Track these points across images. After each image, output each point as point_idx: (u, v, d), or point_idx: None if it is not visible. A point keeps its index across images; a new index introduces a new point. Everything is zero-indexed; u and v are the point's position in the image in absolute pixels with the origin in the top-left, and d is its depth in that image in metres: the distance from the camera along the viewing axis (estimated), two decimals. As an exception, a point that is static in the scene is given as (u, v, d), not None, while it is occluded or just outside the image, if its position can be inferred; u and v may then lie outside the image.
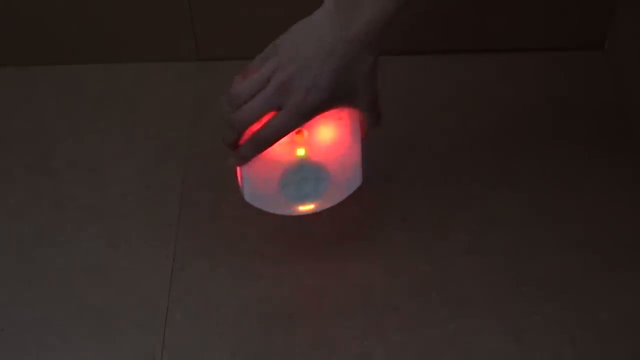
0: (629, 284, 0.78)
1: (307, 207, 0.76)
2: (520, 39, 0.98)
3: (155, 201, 0.85)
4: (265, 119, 0.70)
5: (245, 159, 0.72)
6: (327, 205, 0.77)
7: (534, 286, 0.78)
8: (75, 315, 0.77)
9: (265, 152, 0.71)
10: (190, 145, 0.90)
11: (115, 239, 0.82)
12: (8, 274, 0.80)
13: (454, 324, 0.76)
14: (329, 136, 0.73)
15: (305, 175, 0.74)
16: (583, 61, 0.98)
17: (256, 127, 0.70)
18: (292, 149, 0.73)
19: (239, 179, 0.76)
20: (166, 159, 0.89)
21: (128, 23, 0.96)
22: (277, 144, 0.71)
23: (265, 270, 0.80)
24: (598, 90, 0.95)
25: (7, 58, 0.98)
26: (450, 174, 0.87)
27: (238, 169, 0.75)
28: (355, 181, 0.76)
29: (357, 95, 0.71)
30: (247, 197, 0.75)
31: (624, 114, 0.92)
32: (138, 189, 0.86)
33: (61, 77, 0.97)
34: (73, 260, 0.81)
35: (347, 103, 0.71)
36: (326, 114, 0.70)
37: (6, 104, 0.95)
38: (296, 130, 0.71)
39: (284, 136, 0.70)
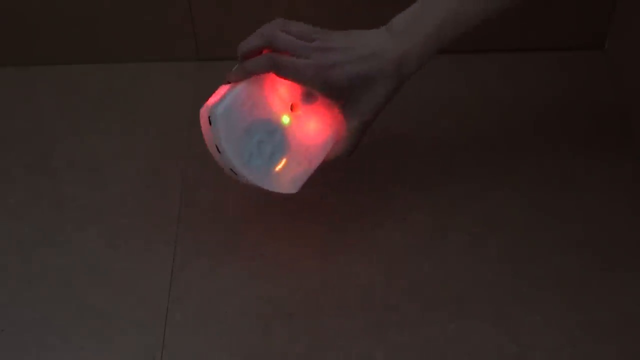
0: (628, 284, 0.78)
1: (249, 166, 0.74)
2: (520, 39, 0.98)
3: (155, 201, 0.85)
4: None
5: (251, 70, 0.73)
6: (254, 181, 0.74)
7: (533, 286, 0.78)
8: (75, 315, 0.77)
9: (264, 91, 0.73)
10: (190, 145, 0.90)
11: (115, 239, 0.82)
12: (8, 274, 0.80)
13: (454, 324, 0.76)
14: (309, 132, 0.75)
15: (271, 139, 0.74)
16: (583, 61, 0.98)
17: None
18: (280, 111, 0.74)
19: (217, 96, 0.74)
20: (166, 159, 0.89)
21: (128, 23, 0.96)
22: (275, 95, 0.74)
23: (265, 270, 0.80)
24: (598, 90, 0.95)
25: (7, 58, 0.98)
26: (450, 174, 0.87)
27: (223, 89, 0.74)
28: (293, 185, 0.76)
29: (358, 107, 0.73)
30: (218, 111, 0.72)
31: (624, 114, 0.92)
32: (138, 189, 0.86)
33: (61, 77, 0.97)
34: (73, 260, 0.81)
35: (345, 106, 0.73)
36: (321, 110, 0.74)
37: (6, 104, 0.95)
38: (292, 104, 0.74)
39: (291, 78, 0.72)
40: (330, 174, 0.86)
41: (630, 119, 0.91)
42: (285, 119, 0.75)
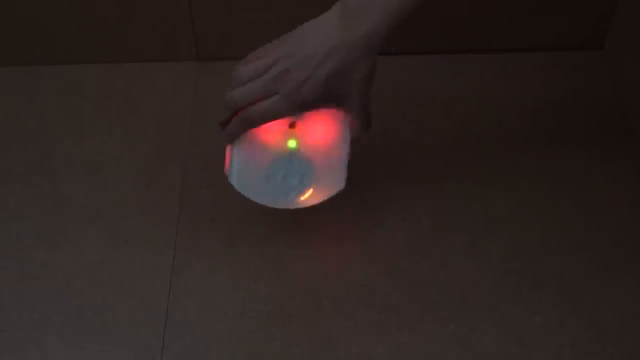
0: (629, 285, 0.78)
1: (289, 201, 0.76)
2: (520, 39, 0.98)
3: (155, 201, 0.85)
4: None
5: (232, 135, 0.74)
6: (307, 203, 0.77)
7: (534, 286, 0.78)
8: (75, 315, 0.77)
9: (258, 138, 0.74)
10: (190, 145, 0.90)
11: (115, 239, 0.82)
12: (8, 274, 0.80)
13: (454, 324, 0.76)
14: (320, 134, 0.75)
15: (292, 168, 0.75)
16: (583, 61, 0.98)
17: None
18: (284, 140, 0.75)
19: (227, 161, 0.76)
20: (166, 159, 0.89)
21: (128, 23, 0.96)
22: (270, 133, 0.74)
23: (265, 270, 0.80)
24: (598, 90, 0.95)
25: (7, 58, 0.98)
26: (450, 174, 0.87)
27: (228, 151, 0.76)
28: (338, 184, 0.76)
29: (349, 98, 0.72)
30: (234, 180, 0.76)
31: (624, 114, 0.92)
32: (138, 189, 0.86)
33: (61, 77, 0.97)
34: (73, 260, 0.81)
35: (338, 104, 0.73)
36: (319, 112, 0.73)
37: (6, 104, 0.95)
38: (290, 122, 0.74)
39: (270, 119, 0.72)
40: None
41: (630, 119, 0.91)
42: (292, 143, 0.75)
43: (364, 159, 0.86)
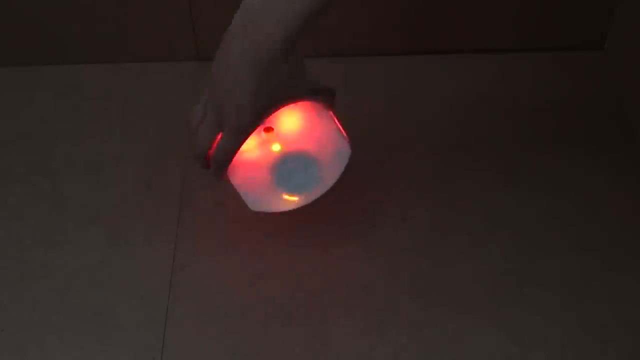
0: (629, 284, 0.78)
1: (310, 195, 0.76)
2: (520, 39, 0.98)
3: (155, 201, 0.85)
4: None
5: (218, 177, 0.75)
6: (330, 184, 0.77)
7: (534, 286, 0.78)
8: (75, 315, 0.77)
9: (244, 161, 0.74)
10: (191, 146, 0.90)
11: (115, 239, 0.82)
12: (8, 274, 0.80)
13: (454, 324, 0.76)
14: (297, 124, 0.74)
15: (293, 166, 0.75)
16: (583, 61, 0.98)
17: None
18: (268, 147, 0.75)
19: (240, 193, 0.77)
20: (166, 159, 0.89)
21: (128, 23, 0.96)
22: (252, 148, 0.74)
23: (265, 270, 0.80)
24: (598, 90, 0.95)
25: (7, 58, 0.98)
26: (450, 174, 0.87)
27: (233, 185, 0.77)
28: (344, 153, 0.76)
29: (292, 93, 0.72)
30: (253, 207, 0.77)
31: (624, 114, 0.92)
32: (138, 189, 0.86)
33: (61, 77, 0.97)
34: (73, 260, 0.81)
35: (286, 103, 0.72)
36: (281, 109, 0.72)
37: (6, 104, 0.95)
38: (264, 128, 0.74)
39: (233, 154, 0.72)
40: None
41: (630, 119, 0.91)
42: (276, 147, 0.75)
43: (364, 158, 0.86)
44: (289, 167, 0.75)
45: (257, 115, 0.70)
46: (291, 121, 0.75)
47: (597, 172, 0.87)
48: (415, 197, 0.85)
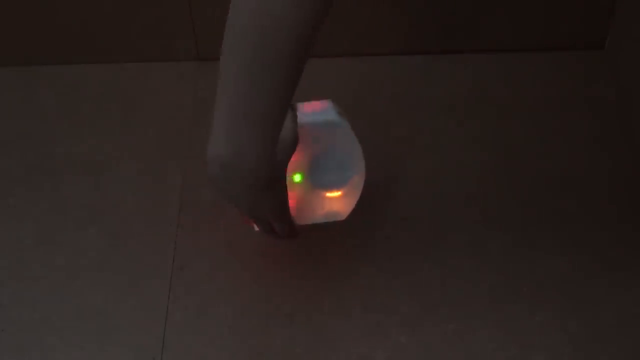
0: (628, 284, 0.78)
1: (350, 183, 0.75)
2: (520, 39, 0.98)
3: (155, 201, 0.85)
4: None
5: (297, 234, 0.73)
6: (363, 169, 0.75)
7: (533, 286, 0.78)
8: (75, 315, 0.77)
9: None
10: (190, 145, 0.90)
11: (115, 239, 0.82)
12: (8, 274, 0.80)
13: (454, 324, 0.76)
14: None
15: (323, 165, 0.73)
16: (583, 61, 0.98)
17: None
18: (290, 181, 0.72)
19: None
20: (166, 159, 0.89)
21: (128, 23, 0.96)
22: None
23: (265, 270, 0.80)
24: (598, 91, 0.95)
25: (7, 58, 0.98)
26: (450, 174, 0.87)
27: None
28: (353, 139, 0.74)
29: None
30: (303, 221, 0.74)
31: (624, 114, 0.92)
32: (138, 189, 0.87)
33: (61, 77, 0.97)
34: (73, 260, 0.81)
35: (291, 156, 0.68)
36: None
37: (6, 104, 0.95)
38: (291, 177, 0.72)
39: (290, 224, 0.71)
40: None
41: (630, 119, 0.91)
42: (297, 177, 0.72)
43: (364, 158, 0.86)
44: (319, 168, 0.73)
45: (283, 197, 0.68)
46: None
47: (597, 172, 0.87)
48: (415, 197, 0.85)
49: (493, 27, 0.98)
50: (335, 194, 0.76)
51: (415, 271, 0.79)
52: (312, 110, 0.73)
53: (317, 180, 0.73)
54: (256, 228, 0.73)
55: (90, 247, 0.82)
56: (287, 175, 0.69)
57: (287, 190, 0.69)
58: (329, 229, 0.83)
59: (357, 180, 0.75)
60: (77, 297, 0.78)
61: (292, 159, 0.68)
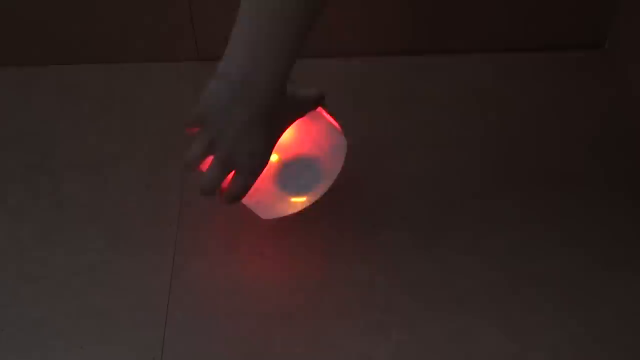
0: (628, 284, 0.78)
1: (315, 193, 0.78)
2: (520, 39, 0.98)
3: (155, 201, 0.85)
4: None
5: (231, 204, 0.74)
6: (333, 177, 0.77)
7: (533, 286, 0.78)
8: (75, 315, 0.77)
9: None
10: (190, 146, 0.90)
11: (115, 239, 0.82)
12: (8, 274, 0.80)
13: (454, 324, 0.76)
14: (290, 131, 0.73)
15: (294, 170, 0.75)
16: (583, 61, 0.98)
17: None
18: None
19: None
20: (166, 159, 0.89)
21: (128, 23, 0.96)
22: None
23: (265, 270, 0.80)
24: (598, 90, 0.95)
25: (7, 58, 0.98)
26: (450, 174, 0.87)
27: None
28: (341, 145, 0.77)
29: (294, 117, 0.72)
30: (265, 216, 0.78)
31: (624, 114, 0.92)
32: (138, 189, 0.86)
33: (61, 77, 0.97)
34: (73, 260, 0.81)
35: (290, 124, 0.72)
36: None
37: (6, 104, 0.95)
38: None
39: (247, 191, 0.72)
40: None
41: (631, 119, 0.91)
42: (274, 157, 0.73)
43: (364, 158, 0.86)
44: (291, 172, 0.75)
45: (269, 153, 0.70)
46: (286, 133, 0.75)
47: (597, 171, 0.87)
48: (415, 197, 0.85)
49: (493, 27, 0.98)
50: (300, 199, 0.77)
51: (415, 271, 0.79)
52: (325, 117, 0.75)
53: (287, 182, 0.75)
54: (205, 181, 0.72)
55: (90, 247, 0.82)
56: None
57: (275, 144, 0.70)
58: (330, 229, 0.83)
59: (323, 189, 0.78)
60: (77, 297, 0.78)
61: (284, 137, 0.70)
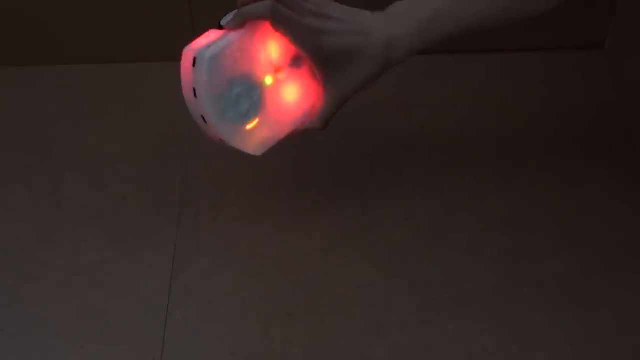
0: (628, 284, 0.78)
1: (252, 124, 0.75)
2: (520, 39, 0.98)
3: (155, 201, 0.85)
4: None
5: (240, 16, 0.72)
6: (246, 144, 0.75)
7: (533, 286, 0.78)
8: (75, 315, 0.77)
9: (251, 47, 0.72)
10: (191, 145, 0.90)
11: (115, 239, 0.82)
12: (8, 274, 0.80)
13: (454, 324, 0.76)
14: (289, 98, 0.74)
15: (250, 94, 0.73)
16: (583, 61, 0.98)
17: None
18: (263, 73, 0.73)
19: (204, 40, 0.74)
20: (166, 159, 0.89)
21: (128, 23, 0.96)
22: (261, 57, 0.73)
23: (265, 270, 0.80)
24: (598, 90, 0.95)
25: (7, 58, 0.98)
26: (450, 174, 0.87)
27: (214, 33, 0.74)
28: (260, 146, 0.75)
29: (339, 80, 0.73)
30: (204, 62, 0.72)
31: (624, 114, 0.92)
32: (138, 189, 0.87)
33: (61, 77, 0.97)
34: (73, 260, 0.81)
35: (328, 78, 0.73)
36: (305, 80, 0.74)
37: (6, 104, 0.95)
38: (277, 68, 0.73)
39: (277, 25, 0.71)
40: (330, 174, 0.87)
41: (630, 119, 0.91)
42: (268, 80, 0.74)
43: (364, 158, 0.86)
44: (251, 95, 0.73)
45: (342, 46, 0.72)
46: (298, 87, 0.75)
47: (597, 171, 0.87)
48: (415, 197, 0.85)
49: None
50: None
51: (415, 271, 0.79)
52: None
53: (231, 115, 0.73)
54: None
55: (90, 247, 0.82)
56: (267, 70, 0.73)
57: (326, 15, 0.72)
58: (330, 228, 0.83)
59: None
60: (77, 297, 0.78)
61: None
